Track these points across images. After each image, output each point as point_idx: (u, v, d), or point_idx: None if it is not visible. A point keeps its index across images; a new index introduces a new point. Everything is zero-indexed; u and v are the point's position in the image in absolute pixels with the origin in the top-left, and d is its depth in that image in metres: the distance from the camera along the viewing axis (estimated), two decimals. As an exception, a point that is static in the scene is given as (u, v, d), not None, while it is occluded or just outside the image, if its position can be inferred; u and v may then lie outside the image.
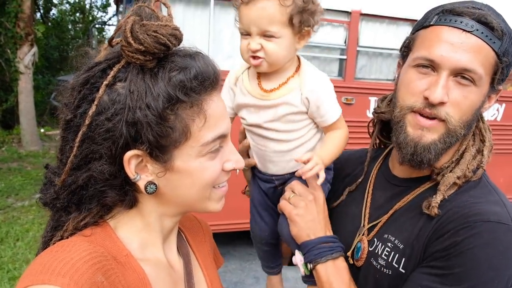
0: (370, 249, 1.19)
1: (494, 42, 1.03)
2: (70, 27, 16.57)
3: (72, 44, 15.79)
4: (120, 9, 6.04)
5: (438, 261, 1.02)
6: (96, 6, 18.29)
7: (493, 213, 1.01)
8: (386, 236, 1.16)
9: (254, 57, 1.19)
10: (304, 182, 1.26)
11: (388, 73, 5.07)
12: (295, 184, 1.27)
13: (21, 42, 9.47)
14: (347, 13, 4.64)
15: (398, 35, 4.92)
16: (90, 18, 17.32)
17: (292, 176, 1.31)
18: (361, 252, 1.20)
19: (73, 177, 0.83)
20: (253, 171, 1.42)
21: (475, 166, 1.13)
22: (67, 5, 16.85)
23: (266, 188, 1.39)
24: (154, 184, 0.85)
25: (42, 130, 9.38)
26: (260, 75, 1.27)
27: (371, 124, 1.40)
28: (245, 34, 1.20)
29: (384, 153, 1.37)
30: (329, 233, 1.24)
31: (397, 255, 1.11)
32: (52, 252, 0.74)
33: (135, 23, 0.78)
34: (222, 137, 0.88)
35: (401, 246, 1.11)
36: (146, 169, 0.84)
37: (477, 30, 1.03)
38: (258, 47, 1.17)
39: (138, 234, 0.90)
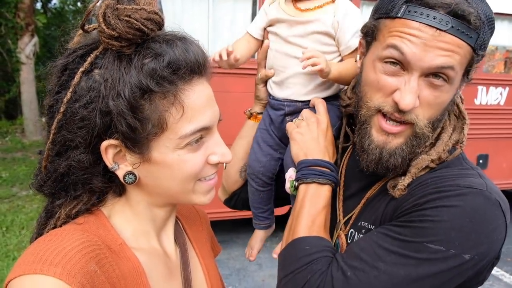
0: (348, 241, 1.14)
1: (471, 37, 0.92)
2: (70, 17, 16.45)
3: (74, 34, 15.71)
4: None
5: (398, 220, 0.97)
6: (97, -5, 18.10)
7: (466, 180, 0.95)
8: (360, 223, 1.11)
9: None
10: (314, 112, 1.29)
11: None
12: (304, 110, 1.29)
13: (22, 32, 9.46)
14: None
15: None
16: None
17: (303, 105, 1.33)
18: (340, 248, 1.14)
19: (55, 164, 0.82)
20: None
21: (451, 146, 1.06)
22: (67, -6, 16.74)
23: (275, 117, 1.39)
24: (133, 174, 0.82)
25: (43, 120, 9.39)
26: (297, 1, 1.30)
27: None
28: None
29: (350, 144, 1.28)
30: (327, 158, 1.20)
31: None
32: (45, 241, 0.73)
33: (107, 7, 0.74)
34: (204, 130, 0.82)
35: (373, 227, 1.06)
36: (125, 159, 0.81)
37: (452, 27, 0.90)
38: None
39: (131, 222, 0.89)
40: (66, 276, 0.67)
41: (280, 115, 1.38)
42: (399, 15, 0.96)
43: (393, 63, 0.97)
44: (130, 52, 0.76)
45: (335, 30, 1.25)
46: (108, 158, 0.80)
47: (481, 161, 5.32)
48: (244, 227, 5.47)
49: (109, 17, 0.73)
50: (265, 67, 1.40)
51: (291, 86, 1.33)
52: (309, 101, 1.32)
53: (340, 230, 1.17)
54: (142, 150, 0.79)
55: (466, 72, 0.99)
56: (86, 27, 0.79)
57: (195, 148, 0.82)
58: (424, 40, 0.92)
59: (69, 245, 0.72)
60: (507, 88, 5.31)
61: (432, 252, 0.89)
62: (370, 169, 1.05)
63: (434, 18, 0.91)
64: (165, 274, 0.91)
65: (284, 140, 1.41)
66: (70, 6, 16.66)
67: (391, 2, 0.98)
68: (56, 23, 15.08)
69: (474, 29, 0.92)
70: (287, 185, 1.24)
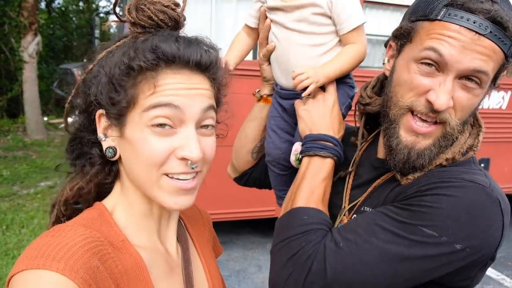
0: None
1: (505, 44, 0.96)
2: (73, 17, 16.51)
3: (77, 33, 15.78)
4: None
5: (398, 202, 1.00)
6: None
7: (470, 176, 0.97)
8: (362, 208, 1.14)
9: None
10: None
11: (379, 61, 5.02)
12: (311, 87, 1.30)
13: (25, 31, 9.47)
14: None
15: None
16: (94, 6, 17.25)
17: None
18: None
19: (71, 129, 0.94)
20: (274, 90, 1.46)
21: (465, 149, 1.09)
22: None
23: (289, 106, 1.40)
24: (113, 149, 0.87)
25: (45, 119, 9.43)
26: None
27: (356, 118, 1.34)
28: None
29: (370, 138, 1.32)
30: (332, 133, 1.24)
31: None
32: (48, 237, 0.73)
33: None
34: (169, 106, 0.80)
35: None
36: (111, 133, 0.87)
37: (490, 32, 0.93)
38: None
39: (131, 217, 0.90)
40: (68, 272, 0.67)
41: (293, 104, 1.37)
42: (438, 17, 0.97)
43: (428, 64, 0.98)
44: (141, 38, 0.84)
45: (330, 10, 1.24)
46: (100, 127, 0.88)
47: (482, 165, 5.30)
48: (244, 228, 5.46)
49: (131, 6, 0.84)
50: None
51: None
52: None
53: (344, 215, 1.20)
54: (119, 123, 0.84)
55: (494, 79, 1.02)
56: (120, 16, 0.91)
57: (161, 133, 0.81)
58: (463, 43, 0.94)
59: (72, 241, 0.72)
60: (509, 92, 5.31)
61: (425, 235, 0.92)
62: (397, 168, 1.07)
63: (474, 22, 0.94)
64: (166, 272, 0.92)
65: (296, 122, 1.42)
66: (74, 6, 16.72)
67: (430, 5, 1.00)
68: (59, 23, 15.13)
69: (509, 36, 0.95)
70: (292, 158, 1.31)
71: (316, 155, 1.19)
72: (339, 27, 1.26)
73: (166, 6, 0.84)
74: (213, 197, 3.90)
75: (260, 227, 5.38)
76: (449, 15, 0.96)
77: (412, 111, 1.02)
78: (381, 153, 1.22)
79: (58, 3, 16.04)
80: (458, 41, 0.94)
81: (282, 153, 1.45)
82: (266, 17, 1.37)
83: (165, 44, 0.80)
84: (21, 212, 5.60)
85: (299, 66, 1.29)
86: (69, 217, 0.90)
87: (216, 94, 0.91)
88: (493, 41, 0.94)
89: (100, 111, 0.86)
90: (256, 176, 1.61)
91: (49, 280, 0.67)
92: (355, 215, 1.16)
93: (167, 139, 0.81)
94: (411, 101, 1.02)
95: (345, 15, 1.24)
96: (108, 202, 0.91)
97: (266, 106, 1.51)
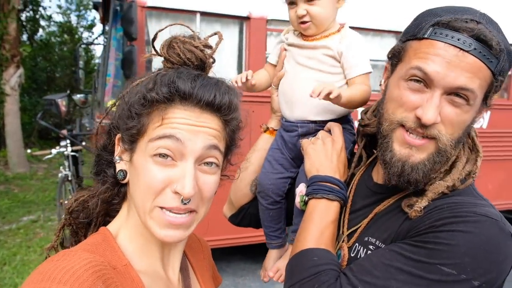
0: (352, 255, 1.15)
1: (491, 61, 0.98)
2: (57, 48, 16.52)
3: (60, 65, 15.76)
4: (106, 28, 6.07)
5: (412, 239, 0.98)
6: (83, 26, 18.25)
7: (482, 209, 0.98)
8: (366, 239, 1.13)
9: (303, 22, 1.39)
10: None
11: (374, 84, 5.13)
12: (320, 131, 1.38)
13: (7, 64, 9.42)
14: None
15: (383, 46, 5.00)
16: (77, 37, 17.31)
17: (316, 126, 1.41)
18: (341, 259, 1.16)
19: (96, 148, 1.01)
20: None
21: (463, 176, 1.09)
22: (54, 27, 16.86)
23: (289, 138, 1.46)
24: (123, 172, 0.93)
25: (28, 151, 9.28)
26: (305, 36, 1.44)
27: (357, 137, 1.37)
28: (291, 3, 1.40)
29: (367, 162, 1.34)
30: (339, 176, 1.25)
31: None
32: (53, 261, 0.75)
33: (171, 37, 0.92)
34: (171, 138, 0.83)
35: (382, 245, 1.07)
36: (124, 157, 0.92)
37: (474, 49, 0.96)
38: (304, 12, 1.37)
39: (134, 241, 0.92)
40: None
41: (293, 136, 1.45)
42: (425, 36, 1.02)
43: (417, 80, 1.02)
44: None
45: (340, 57, 1.37)
46: (117, 150, 0.94)
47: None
48: (235, 255, 5.37)
49: (166, 42, 0.93)
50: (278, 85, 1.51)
51: (301, 106, 1.40)
52: (321, 121, 1.40)
53: (343, 242, 1.19)
54: (130, 149, 0.90)
55: (485, 98, 1.04)
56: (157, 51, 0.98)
57: (162, 163, 0.84)
58: (448, 60, 0.98)
59: (77, 264, 0.74)
60: (489, 112, 5.45)
61: (444, 274, 0.91)
62: (392, 182, 1.08)
63: (458, 40, 0.97)
64: None
65: (296, 161, 1.47)
66: (57, 38, 16.76)
67: (418, 25, 1.05)
68: (42, 55, 15.10)
69: (495, 54, 0.98)
70: (297, 200, 1.31)
71: (323, 197, 1.19)
72: (347, 72, 1.37)
73: (195, 47, 0.91)
74: (202, 224, 3.84)
75: (250, 253, 5.30)
76: (435, 33, 1.00)
77: (403, 126, 1.05)
78: (379, 177, 1.22)
79: (41, 35, 16.07)
80: (443, 58, 0.98)
81: (271, 184, 1.47)
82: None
83: (180, 81, 0.85)
84: (3, 249, 5.42)
85: (305, 103, 1.37)
86: (75, 231, 1.00)
87: (228, 136, 0.93)
88: (477, 58, 0.97)
89: (119, 135, 0.92)
90: (252, 212, 1.59)
91: None
92: (356, 243, 1.15)
93: (166, 170, 0.84)
94: (401, 117, 1.04)
95: (354, 61, 1.35)
96: (113, 225, 0.94)
97: (271, 138, 1.55)
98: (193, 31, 0.95)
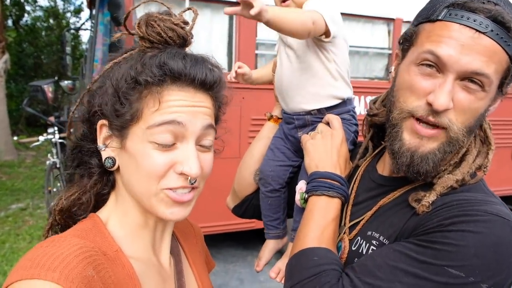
0: (353, 248, 1.11)
1: (509, 45, 0.92)
2: (43, 33, 16.19)
3: (47, 51, 15.47)
4: (93, 12, 5.95)
5: (418, 238, 0.94)
6: (70, 11, 17.87)
7: (493, 207, 0.93)
8: (370, 233, 1.08)
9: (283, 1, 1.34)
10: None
11: (365, 71, 5.13)
12: (320, 124, 1.32)
13: (-8, 49, 9.23)
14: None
15: (374, 33, 4.99)
16: (64, 23, 16.97)
17: (312, 118, 1.37)
18: (341, 251, 1.13)
19: (72, 138, 0.96)
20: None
21: (474, 169, 1.04)
22: (39, 12, 16.49)
23: (288, 130, 1.43)
24: (112, 159, 0.89)
25: (15, 138, 9.16)
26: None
27: (365, 128, 1.31)
28: None
29: (373, 154, 1.29)
30: (339, 172, 1.20)
31: None
32: (42, 247, 0.73)
33: (145, 14, 0.87)
34: (173, 123, 0.83)
35: (387, 242, 1.03)
36: (111, 143, 0.89)
37: (491, 31, 0.91)
38: None
39: (125, 227, 0.91)
40: (64, 281, 0.67)
41: (291, 128, 1.42)
42: (440, 17, 0.96)
43: (428, 65, 0.97)
44: (148, 52, 0.87)
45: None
46: (100, 137, 0.89)
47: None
48: (225, 242, 5.40)
49: (141, 20, 0.87)
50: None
51: (290, 96, 1.37)
52: (316, 112, 1.35)
53: (344, 233, 1.16)
54: (121, 135, 0.86)
55: (501, 85, 0.98)
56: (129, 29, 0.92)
57: (163, 149, 0.84)
58: (462, 42, 0.92)
59: (67, 250, 0.72)
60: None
61: (451, 276, 0.87)
62: (400, 173, 1.04)
63: (475, 21, 0.92)
64: (159, 283, 0.92)
65: (299, 153, 1.42)
66: (43, 23, 16.42)
67: (432, 7, 1.00)
68: (28, 40, 14.81)
69: None
70: (297, 197, 1.27)
71: (323, 194, 1.15)
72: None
73: (176, 24, 0.88)
74: (193, 211, 3.85)
75: (241, 240, 5.34)
76: (449, 15, 0.95)
77: (413, 116, 1.00)
78: (384, 169, 1.18)
79: (26, 20, 15.73)
80: (457, 41, 0.92)
81: (272, 171, 1.45)
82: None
83: (172, 61, 0.83)
84: (-9, 237, 5.38)
85: (293, 94, 1.34)
86: (63, 226, 0.94)
87: (216, 112, 0.94)
88: (494, 40, 0.91)
89: (102, 121, 0.88)
90: (256, 203, 1.56)
91: None
92: (359, 237, 1.11)
93: (167, 153, 0.84)
94: (412, 106, 0.99)
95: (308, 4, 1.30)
96: (103, 213, 0.92)
97: (276, 126, 1.52)
98: (168, 8, 0.91)
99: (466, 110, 0.96)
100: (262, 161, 1.49)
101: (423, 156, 0.99)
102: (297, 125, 1.40)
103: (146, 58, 0.84)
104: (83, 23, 16.84)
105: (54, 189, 5.64)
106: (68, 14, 17.72)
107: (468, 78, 0.93)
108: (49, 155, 6.12)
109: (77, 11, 17.71)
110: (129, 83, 0.83)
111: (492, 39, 0.91)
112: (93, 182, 0.93)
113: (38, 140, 5.79)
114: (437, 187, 1.00)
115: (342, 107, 1.38)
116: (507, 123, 5.57)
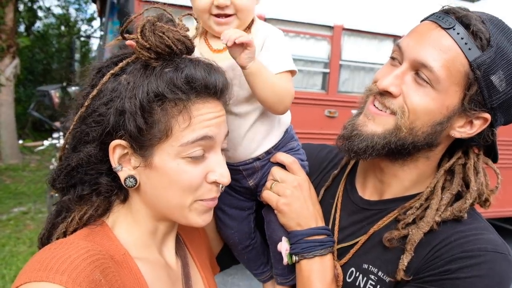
0: (348, 280, 1.09)
1: (470, 49, 0.92)
2: (54, 41, 16.39)
3: (57, 57, 15.64)
4: (103, 20, 6.03)
5: (429, 284, 0.94)
6: (82, 20, 18.14)
7: (489, 241, 0.96)
8: (366, 266, 1.07)
9: (220, 15, 1.01)
10: (284, 168, 1.17)
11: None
12: (275, 170, 1.17)
13: (3, 54, 9.34)
14: (330, 27, 4.71)
15: (379, 49, 5.01)
16: (75, 30, 17.19)
17: (261, 162, 1.20)
18: (336, 280, 1.11)
19: (69, 159, 0.88)
20: None
21: (448, 215, 1.00)
22: (52, 19, 16.73)
23: (234, 183, 1.20)
24: (134, 178, 0.86)
25: (20, 142, 9.22)
26: (207, 33, 1.10)
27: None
28: None
29: (348, 169, 1.25)
30: (321, 222, 1.15)
31: None
32: (51, 250, 0.74)
33: (148, 21, 0.83)
34: (205, 139, 0.85)
35: (388, 280, 1.01)
36: (129, 162, 0.86)
37: (453, 29, 0.93)
38: (228, 2, 0.99)
39: (132, 233, 0.91)
40: (71, 284, 0.68)
41: (241, 179, 1.24)
42: (424, 18, 1.05)
43: (394, 58, 1.04)
44: (157, 65, 0.84)
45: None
46: (114, 157, 0.85)
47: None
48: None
49: (146, 29, 0.83)
50: None
51: (238, 145, 1.16)
52: (264, 155, 1.19)
53: (332, 256, 1.14)
54: (145, 153, 0.84)
55: (464, 96, 0.96)
56: (126, 35, 0.88)
57: (195, 162, 0.86)
58: (421, 33, 0.98)
59: (75, 253, 0.73)
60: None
61: None
62: (339, 145, 1.08)
63: (442, 19, 0.97)
64: (167, 285, 0.93)
65: (251, 195, 1.28)
66: (54, 30, 16.64)
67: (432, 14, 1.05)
68: (39, 46, 14.99)
69: (479, 45, 0.92)
70: (285, 260, 1.15)
71: (315, 256, 1.09)
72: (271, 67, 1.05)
73: (184, 36, 0.86)
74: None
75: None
76: (431, 15, 1.02)
77: (370, 95, 1.07)
78: (365, 191, 1.17)
79: (38, 27, 15.95)
80: (419, 33, 0.99)
81: (235, 234, 1.30)
82: None
83: (198, 76, 0.83)
84: (-8, 240, 5.37)
85: (238, 144, 1.15)
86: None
87: None
88: (453, 39, 0.93)
89: (118, 141, 0.83)
90: (229, 254, 1.43)
91: None
92: (353, 268, 1.09)
93: (200, 165, 0.87)
94: (370, 86, 1.07)
95: (271, 56, 1.06)
96: (108, 219, 0.92)
97: None
98: (170, 14, 0.89)
99: (413, 102, 0.97)
100: (221, 228, 1.32)
101: (360, 134, 1.02)
102: (246, 175, 1.22)
103: (169, 73, 0.82)
104: (94, 31, 17.05)
105: (56, 194, 5.63)
106: (80, 22, 17.96)
107: (419, 70, 0.97)
108: (53, 160, 6.14)
109: (90, 20, 17.96)
110: (154, 100, 0.81)
111: (451, 37, 0.93)
112: (103, 199, 0.90)
113: (43, 145, 5.82)
114: (408, 246, 0.98)
115: (285, 135, 1.23)
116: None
